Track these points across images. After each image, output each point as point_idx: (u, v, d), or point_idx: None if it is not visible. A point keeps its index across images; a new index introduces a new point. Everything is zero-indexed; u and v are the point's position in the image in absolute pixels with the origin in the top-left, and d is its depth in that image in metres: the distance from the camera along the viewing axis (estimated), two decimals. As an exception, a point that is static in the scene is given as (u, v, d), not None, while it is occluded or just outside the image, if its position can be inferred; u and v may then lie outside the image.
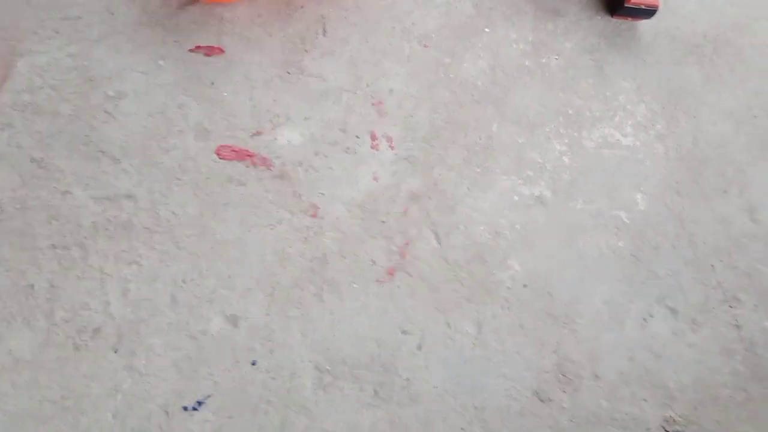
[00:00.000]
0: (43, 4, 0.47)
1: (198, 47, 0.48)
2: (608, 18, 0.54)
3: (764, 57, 0.54)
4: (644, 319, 0.46)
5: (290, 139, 0.47)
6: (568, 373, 0.44)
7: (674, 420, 0.45)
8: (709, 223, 0.49)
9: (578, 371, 0.45)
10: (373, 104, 0.49)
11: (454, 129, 0.49)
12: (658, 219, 0.49)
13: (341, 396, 0.42)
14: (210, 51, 0.47)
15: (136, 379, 0.41)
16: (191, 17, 0.49)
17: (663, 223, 0.49)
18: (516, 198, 0.48)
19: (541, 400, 0.44)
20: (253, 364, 0.42)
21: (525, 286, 0.46)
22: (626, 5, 0.51)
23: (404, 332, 0.44)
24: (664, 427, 0.44)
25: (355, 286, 0.44)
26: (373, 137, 0.48)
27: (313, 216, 0.46)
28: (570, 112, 0.51)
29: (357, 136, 0.48)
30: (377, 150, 0.48)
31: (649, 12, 0.51)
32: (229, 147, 0.46)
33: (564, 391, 0.44)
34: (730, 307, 0.48)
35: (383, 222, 0.46)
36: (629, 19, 0.53)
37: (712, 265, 0.48)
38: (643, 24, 0.54)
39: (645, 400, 0.45)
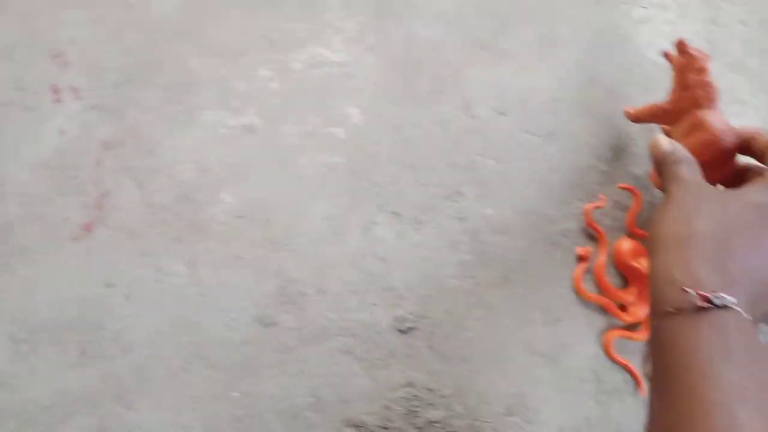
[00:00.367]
0: None
1: None
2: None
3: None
4: (367, 228, 0.50)
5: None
6: (291, 294, 0.47)
7: (404, 318, 0.49)
8: (427, 125, 0.54)
9: (302, 290, 0.48)
10: (52, 57, 0.49)
11: (148, 70, 0.50)
12: (374, 129, 0.53)
13: (44, 361, 0.43)
14: None
15: None
16: None
17: (380, 132, 0.53)
18: (223, 131, 0.50)
19: (265, 325, 0.47)
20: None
21: (240, 217, 0.49)
22: None
23: (109, 285, 0.45)
24: (394, 326, 0.49)
25: (49, 248, 0.45)
26: (55, 90, 0.48)
27: (-5, 184, 0.46)
28: (275, 36, 0.53)
29: (35, 92, 0.48)
30: (61, 103, 0.48)
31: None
32: None
33: (288, 312, 0.47)
34: (453, 201, 0.52)
35: (75, 177, 0.47)
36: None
37: (432, 165, 0.53)
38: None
39: (374, 304, 0.49)
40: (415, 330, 0.49)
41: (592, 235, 0.53)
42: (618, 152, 0.56)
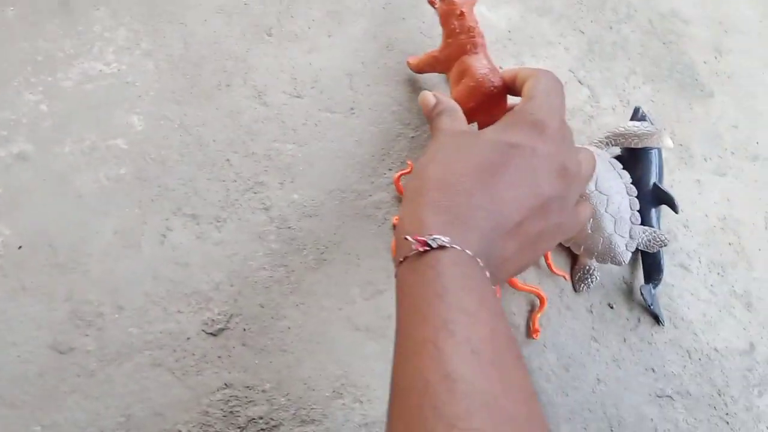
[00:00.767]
0: None
1: None
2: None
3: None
4: (162, 235, 0.53)
5: None
6: (86, 316, 0.50)
7: (214, 320, 0.52)
8: (217, 120, 0.57)
9: (98, 310, 0.50)
10: None
11: None
12: (160, 134, 0.56)
13: None
14: None
15: None
16: None
17: (166, 136, 0.56)
18: (-7, 163, 0.52)
19: (62, 352, 0.49)
20: None
21: (20, 247, 0.51)
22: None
23: None
24: (204, 330, 0.51)
25: None
26: None
27: None
28: (39, 58, 0.56)
29: None
30: None
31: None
32: None
33: (86, 335, 0.49)
34: (255, 193, 0.55)
35: None
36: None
37: (228, 159, 0.56)
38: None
39: (179, 311, 0.51)
40: (227, 330, 0.52)
41: (398, 200, 0.57)
42: (424, 116, 0.59)
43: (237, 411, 0.51)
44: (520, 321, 0.57)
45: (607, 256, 0.57)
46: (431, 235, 0.31)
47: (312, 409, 0.51)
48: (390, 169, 0.59)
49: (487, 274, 0.32)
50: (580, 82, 0.67)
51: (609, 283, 0.60)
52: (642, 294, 0.58)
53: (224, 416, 0.50)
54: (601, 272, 0.59)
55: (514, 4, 0.68)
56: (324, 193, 0.57)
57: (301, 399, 0.52)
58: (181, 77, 0.58)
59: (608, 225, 0.56)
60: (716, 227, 0.64)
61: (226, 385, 0.51)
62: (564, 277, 0.58)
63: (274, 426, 0.50)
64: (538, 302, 0.57)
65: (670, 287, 0.61)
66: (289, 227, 0.56)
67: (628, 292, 0.60)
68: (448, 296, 0.29)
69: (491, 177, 0.34)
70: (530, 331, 0.56)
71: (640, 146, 0.58)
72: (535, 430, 0.29)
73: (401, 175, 0.57)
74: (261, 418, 0.51)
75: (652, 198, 0.59)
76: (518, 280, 0.56)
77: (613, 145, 0.59)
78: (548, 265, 0.58)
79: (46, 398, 0.48)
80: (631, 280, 0.61)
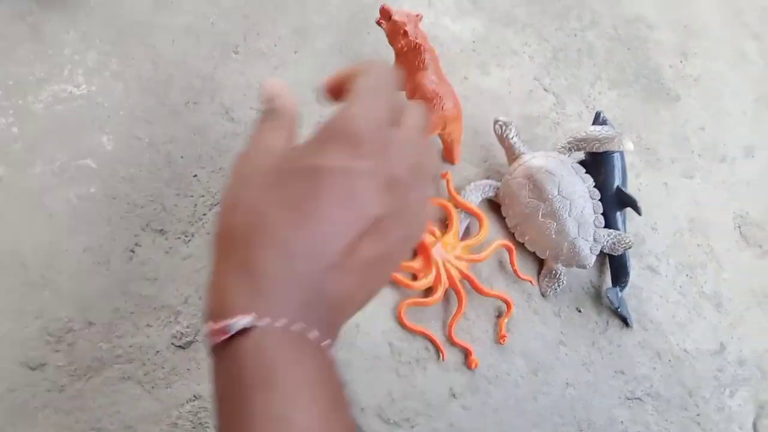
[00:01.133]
0: None
1: None
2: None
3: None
4: (131, 251, 0.55)
5: None
6: (56, 332, 0.52)
7: (182, 333, 0.54)
8: (185, 137, 0.60)
9: (68, 326, 0.52)
10: None
11: None
12: (129, 152, 0.58)
13: None
14: None
15: None
16: None
17: (136, 154, 0.58)
18: (-35, 185, 0.55)
19: (32, 368, 0.51)
20: None
21: (-8, 267, 0.53)
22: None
23: None
24: (173, 343, 0.53)
25: None
26: None
27: None
28: (10, 83, 0.59)
29: None
30: None
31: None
32: None
33: (57, 351, 0.52)
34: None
35: None
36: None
37: (195, 175, 0.58)
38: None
39: (149, 325, 0.54)
40: (195, 342, 0.54)
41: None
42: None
43: (206, 423, 0.53)
44: (488, 326, 0.59)
45: (572, 259, 0.59)
46: (232, 317, 0.26)
47: (280, 418, 0.53)
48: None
49: (314, 334, 0.27)
50: (545, 89, 0.69)
51: (577, 287, 0.62)
52: (608, 297, 0.60)
53: (194, 428, 0.52)
54: (568, 276, 0.61)
55: (479, 15, 0.71)
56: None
57: (269, 409, 0.54)
58: (150, 96, 0.61)
59: (572, 229, 0.58)
60: (685, 229, 0.67)
61: (195, 396, 0.53)
62: (531, 282, 0.60)
63: (243, 436, 0.52)
64: (505, 307, 0.59)
65: (639, 290, 0.63)
66: (257, 240, 0.58)
67: (596, 296, 0.62)
68: (277, 386, 0.25)
69: (301, 215, 0.28)
70: (498, 337, 0.58)
71: (601, 150, 0.60)
72: None
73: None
74: (230, 428, 0.53)
75: (616, 201, 0.61)
76: (484, 285, 0.58)
77: (575, 150, 0.62)
78: (514, 271, 0.60)
79: (17, 414, 0.50)
80: (599, 284, 0.63)
